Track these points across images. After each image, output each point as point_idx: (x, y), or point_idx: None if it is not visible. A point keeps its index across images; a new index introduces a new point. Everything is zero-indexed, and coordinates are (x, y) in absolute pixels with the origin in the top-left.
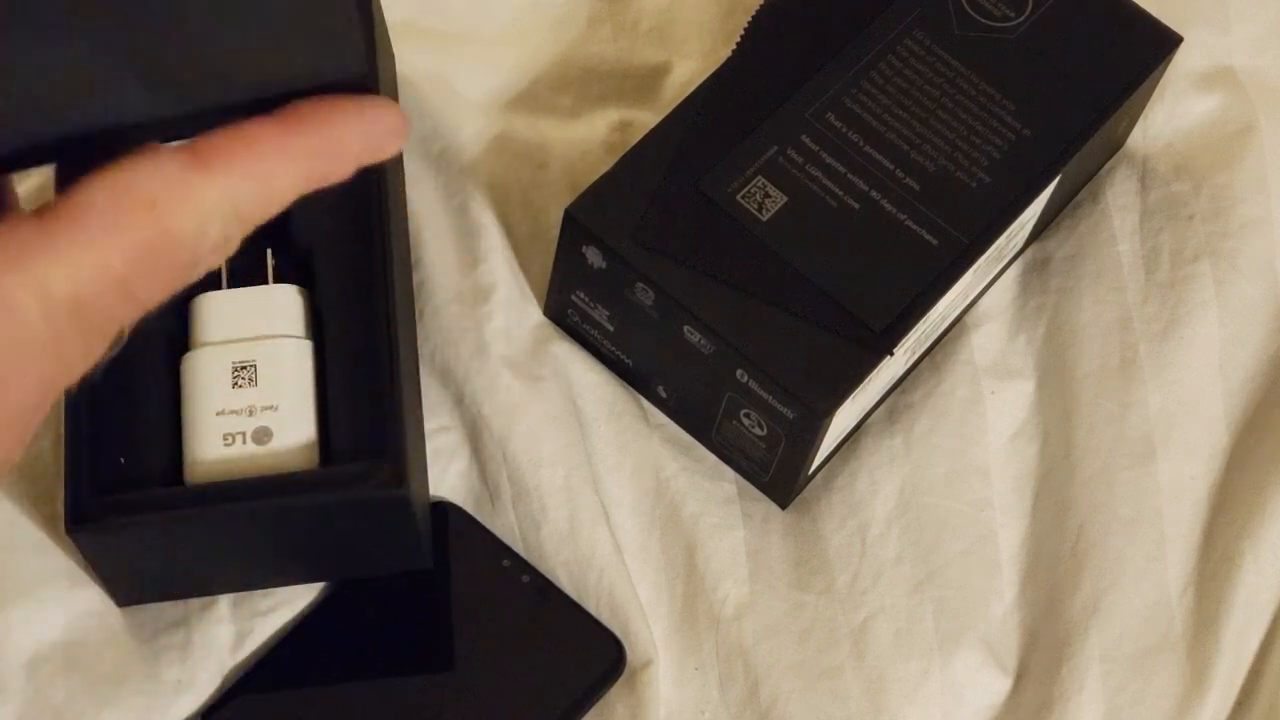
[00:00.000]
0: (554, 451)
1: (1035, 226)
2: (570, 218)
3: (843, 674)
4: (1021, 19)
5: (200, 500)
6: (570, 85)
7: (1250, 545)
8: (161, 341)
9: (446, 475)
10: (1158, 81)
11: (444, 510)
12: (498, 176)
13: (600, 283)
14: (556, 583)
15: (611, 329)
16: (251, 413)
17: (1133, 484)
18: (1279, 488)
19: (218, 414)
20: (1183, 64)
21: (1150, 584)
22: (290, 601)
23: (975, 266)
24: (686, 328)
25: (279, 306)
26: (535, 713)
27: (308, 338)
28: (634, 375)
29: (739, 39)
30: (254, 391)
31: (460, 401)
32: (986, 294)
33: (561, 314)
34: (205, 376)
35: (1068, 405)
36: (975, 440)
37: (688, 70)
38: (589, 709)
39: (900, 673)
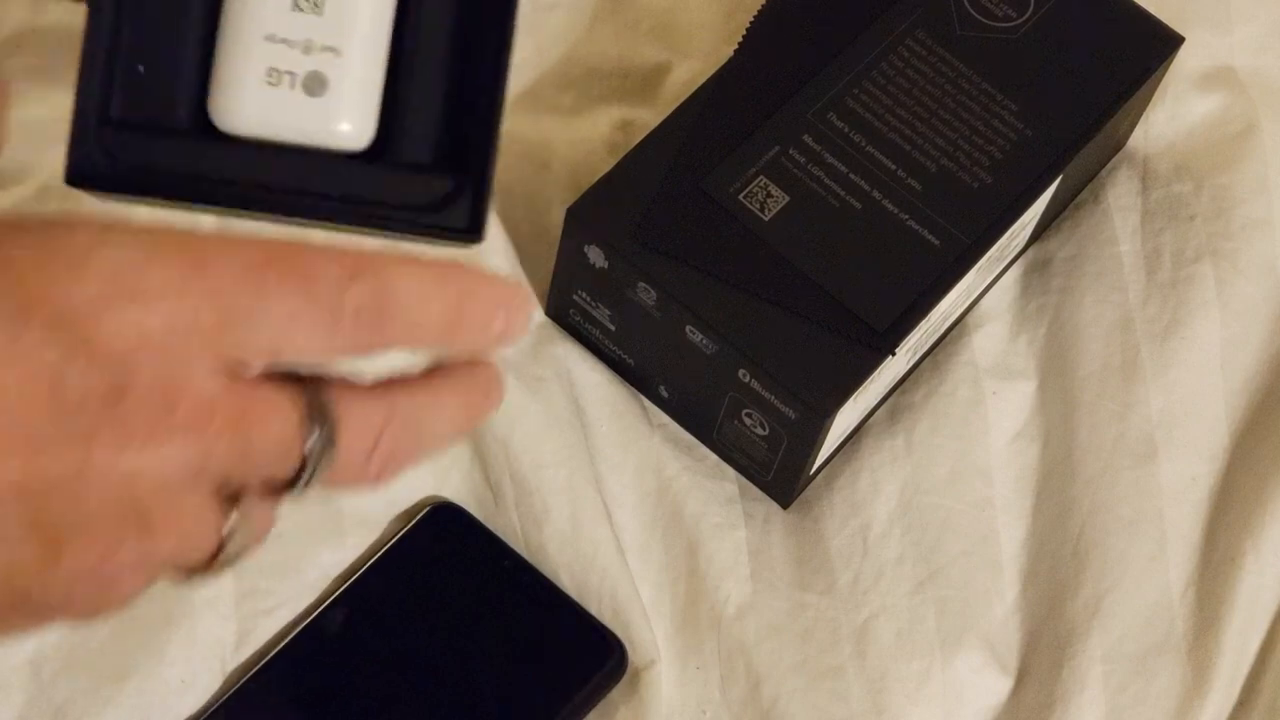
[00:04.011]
0: (556, 452)
1: (1036, 226)
2: (572, 217)
3: (844, 674)
4: (1023, 19)
5: (225, 193)
6: (572, 84)
7: (1251, 545)
8: None
9: (449, 476)
10: (1159, 82)
11: (446, 510)
12: (499, 175)
13: (602, 282)
14: (558, 583)
15: (613, 328)
16: (308, 49)
17: (1134, 484)
18: None
19: (266, 38)
20: (1184, 64)
21: (1151, 584)
22: (292, 601)
23: (977, 266)
24: (688, 327)
25: None
26: (537, 713)
27: None
28: (635, 375)
29: (741, 39)
30: (315, 21)
31: None
32: (988, 294)
33: (563, 313)
34: None
35: (1069, 406)
36: (977, 440)
37: (689, 70)
38: (591, 709)
39: (902, 673)
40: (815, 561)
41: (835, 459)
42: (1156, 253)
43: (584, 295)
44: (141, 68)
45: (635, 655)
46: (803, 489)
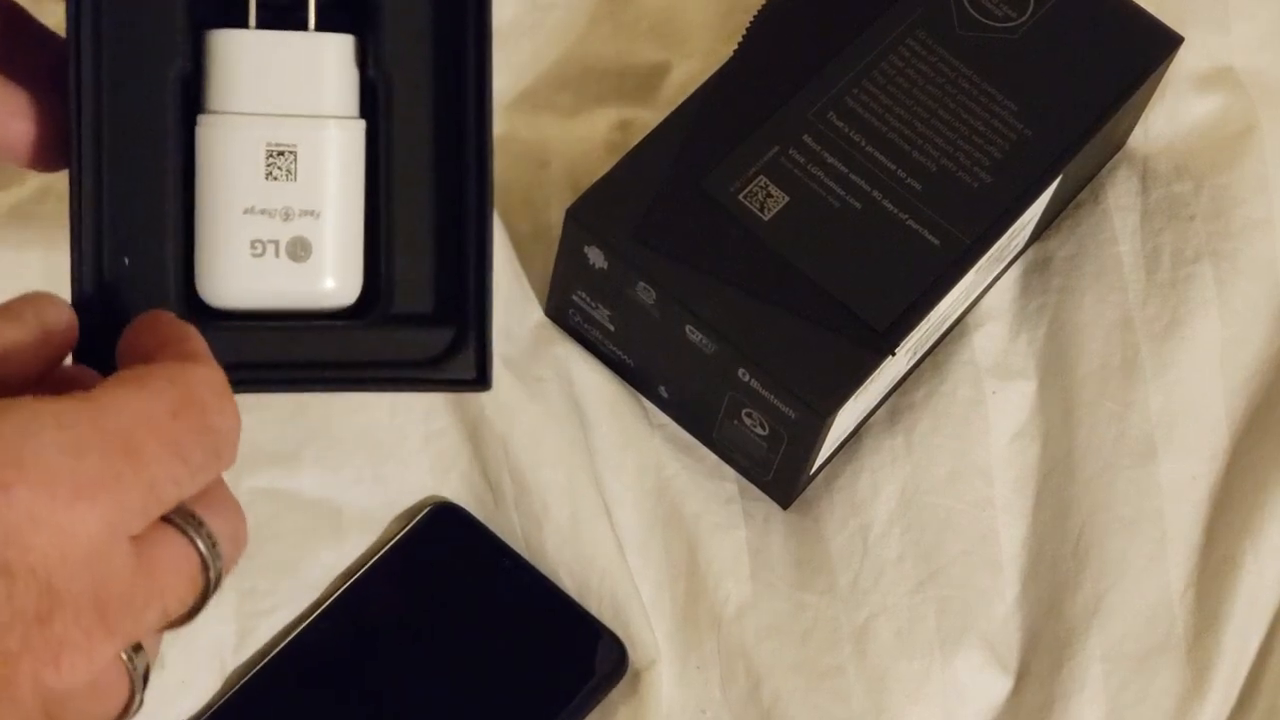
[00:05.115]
0: (556, 451)
1: (1036, 226)
2: (572, 217)
3: (844, 674)
4: (1023, 19)
5: (231, 377)
6: (570, 84)
7: (1251, 545)
8: (172, 76)
9: (449, 476)
10: (1158, 81)
11: (446, 510)
12: (498, 175)
13: (601, 282)
14: (558, 583)
15: (612, 329)
16: (287, 216)
17: (1134, 484)
18: None
19: (245, 211)
20: (1183, 64)
21: (1151, 584)
22: (292, 601)
23: (977, 266)
24: (688, 327)
25: (327, 66)
26: (537, 714)
27: (361, 115)
28: (635, 375)
29: (740, 38)
30: (291, 188)
31: (462, 401)
32: (988, 294)
33: (562, 314)
34: (233, 157)
35: (1069, 405)
36: (977, 440)
37: (688, 69)
38: (591, 710)
39: (902, 672)
40: (815, 561)
41: (835, 459)
42: (1156, 252)
43: (583, 295)
44: (127, 260)
45: (635, 655)
46: (803, 489)
